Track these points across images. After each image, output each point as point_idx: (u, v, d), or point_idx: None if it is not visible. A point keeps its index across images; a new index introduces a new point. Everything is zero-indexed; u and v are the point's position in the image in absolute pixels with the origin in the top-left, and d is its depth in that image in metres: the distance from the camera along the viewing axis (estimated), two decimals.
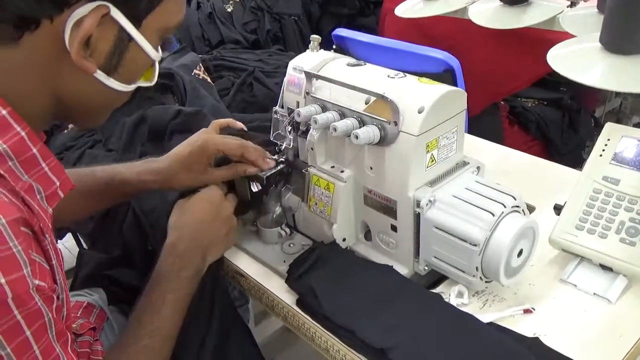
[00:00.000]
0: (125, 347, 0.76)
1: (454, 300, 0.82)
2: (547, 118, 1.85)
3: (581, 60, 0.75)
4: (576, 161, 1.66)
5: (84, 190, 0.91)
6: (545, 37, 1.45)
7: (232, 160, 0.95)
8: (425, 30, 1.69)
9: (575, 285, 0.84)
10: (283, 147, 0.98)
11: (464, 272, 0.80)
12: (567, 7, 1.34)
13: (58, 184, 0.64)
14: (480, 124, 1.67)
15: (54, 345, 0.60)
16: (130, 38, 0.62)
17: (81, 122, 0.78)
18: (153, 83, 0.72)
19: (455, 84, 1.44)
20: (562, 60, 0.75)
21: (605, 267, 0.84)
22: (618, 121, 2.29)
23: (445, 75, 1.43)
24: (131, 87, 0.69)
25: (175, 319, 0.80)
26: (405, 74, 0.88)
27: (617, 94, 2.33)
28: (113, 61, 0.63)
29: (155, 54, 0.67)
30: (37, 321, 0.57)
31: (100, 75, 0.63)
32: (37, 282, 0.56)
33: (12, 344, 0.55)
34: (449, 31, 1.64)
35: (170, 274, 0.82)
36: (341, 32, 1.66)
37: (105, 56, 0.62)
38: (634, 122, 2.33)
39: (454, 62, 1.42)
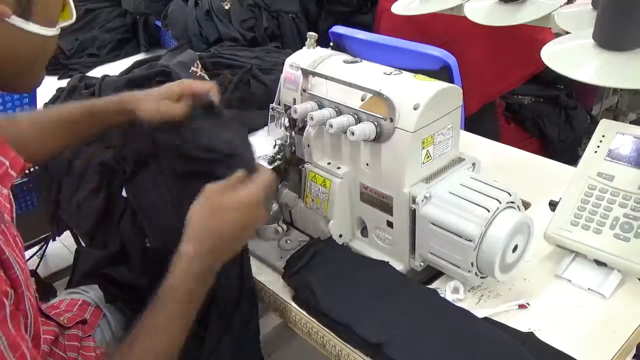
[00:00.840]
0: (130, 349, 0.69)
1: (449, 296, 0.83)
2: (544, 115, 1.85)
3: (574, 56, 0.75)
4: (572, 158, 1.67)
5: (60, 123, 0.91)
6: (540, 34, 1.46)
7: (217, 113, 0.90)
8: (422, 27, 1.69)
9: (570, 281, 0.84)
10: (280, 143, 0.99)
11: (459, 267, 0.80)
12: (564, 3, 1.34)
13: (8, 163, 0.63)
14: (477, 121, 1.67)
15: (16, 339, 0.56)
16: None
17: (17, 84, 0.71)
18: (74, 19, 0.70)
19: (451, 81, 1.44)
20: (555, 56, 0.76)
21: (599, 263, 0.84)
22: (615, 118, 2.30)
23: (442, 73, 1.43)
24: (54, 31, 0.67)
25: (181, 338, 0.72)
26: (401, 71, 0.88)
27: (614, 91, 2.33)
28: (23, 1, 0.61)
29: None
30: None
31: (17, 20, 0.61)
32: None
33: None
34: (446, 29, 1.64)
35: (181, 294, 0.72)
36: (338, 29, 1.67)
37: None
38: (631, 119, 2.33)
39: (451, 59, 1.42)
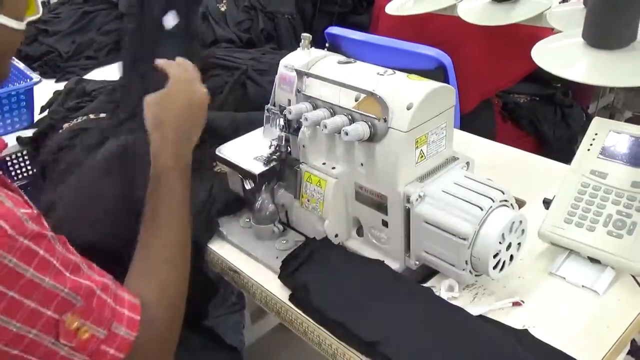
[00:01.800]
0: (151, 237, 0.78)
1: (444, 294, 0.83)
2: (540, 114, 1.86)
3: (564, 55, 0.76)
4: (568, 156, 1.67)
5: None
6: (536, 33, 1.47)
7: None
8: (419, 27, 1.70)
9: (564, 278, 0.85)
10: (275, 144, 0.99)
11: (453, 265, 0.81)
12: (559, 2, 1.35)
13: None
14: (473, 120, 1.68)
15: (67, 256, 0.62)
16: None
17: None
18: (40, 14, 0.73)
19: (446, 80, 1.45)
20: (546, 55, 0.76)
21: (593, 260, 0.85)
22: (611, 116, 2.31)
23: (437, 72, 1.44)
24: (22, 25, 0.69)
25: (185, 205, 0.83)
26: (395, 71, 0.89)
27: (611, 89, 2.34)
28: None
29: None
30: (43, 241, 0.59)
31: None
32: (22, 210, 0.58)
33: (32, 265, 0.57)
34: (443, 28, 1.65)
35: (168, 166, 0.84)
36: (334, 30, 1.67)
37: None
38: (627, 117, 2.34)
39: (446, 59, 1.43)
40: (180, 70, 0.92)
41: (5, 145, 0.69)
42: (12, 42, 0.70)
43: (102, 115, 1.35)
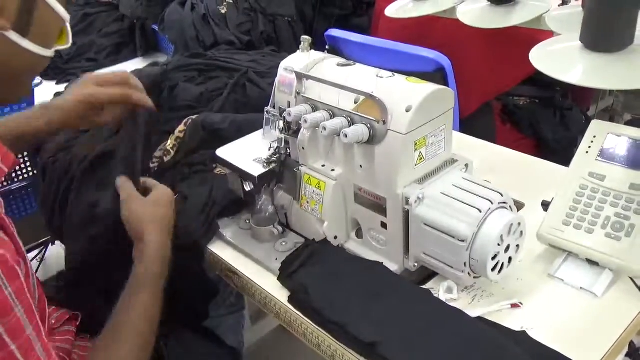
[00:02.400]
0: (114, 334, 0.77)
1: (443, 296, 0.83)
2: (539, 116, 1.86)
3: (562, 58, 0.76)
4: (568, 159, 1.68)
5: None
6: (535, 36, 1.47)
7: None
8: (420, 30, 1.70)
9: (563, 280, 0.85)
10: (275, 146, 1.00)
11: (452, 267, 0.81)
12: (559, 5, 1.35)
13: None
14: (473, 122, 1.68)
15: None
16: None
17: (5, 94, 0.73)
18: (69, 45, 0.74)
19: (446, 83, 1.45)
20: (544, 58, 0.77)
21: (591, 262, 0.85)
22: (611, 119, 2.30)
23: (436, 75, 1.44)
24: (49, 52, 0.71)
25: (158, 318, 0.83)
26: (394, 73, 0.89)
27: (610, 92, 2.34)
28: (24, 19, 0.64)
29: (66, 14, 0.69)
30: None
31: (13, 35, 0.64)
32: None
33: None
34: (444, 31, 1.65)
35: (155, 277, 0.85)
36: (334, 32, 1.68)
37: (15, 14, 0.63)
38: (626, 120, 2.34)
39: (445, 61, 1.43)
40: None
41: (17, 162, 0.69)
42: (35, 66, 0.72)
43: None
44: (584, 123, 1.95)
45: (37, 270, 1.97)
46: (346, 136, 0.81)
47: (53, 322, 0.88)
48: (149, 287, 0.83)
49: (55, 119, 0.94)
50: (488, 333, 0.75)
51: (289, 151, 0.99)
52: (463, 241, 0.78)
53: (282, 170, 1.00)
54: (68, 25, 0.73)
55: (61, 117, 0.94)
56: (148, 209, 0.90)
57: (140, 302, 0.81)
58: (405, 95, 0.82)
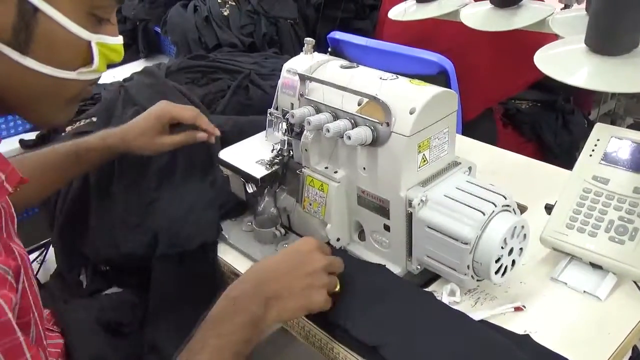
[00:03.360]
0: None
1: (446, 299, 0.83)
2: (541, 119, 1.86)
3: (567, 61, 0.76)
4: (570, 162, 1.68)
5: (47, 166, 0.95)
6: (540, 41, 1.47)
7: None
8: (423, 35, 1.70)
9: (566, 283, 0.85)
10: (278, 148, 1.00)
11: (455, 270, 0.81)
12: (561, 9, 1.35)
13: (4, 177, 0.61)
14: (475, 125, 1.68)
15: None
16: (35, 9, 0.58)
17: (28, 117, 0.68)
18: (93, 68, 0.65)
19: (449, 85, 1.45)
20: (548, 61, 0.77)
21: (595, 266, 0.85)
22: (612, 122, 2.30)
23: (439, 77, 1.44)
24: (71, 74, 0.63)
25: None
26: (398, 75, 0.89)
27: (612, 96, 2.34)
28: (21, 36, 0.58)
29: (85, 32, 0.62)
30: None
31: (9, 51, 0.58)
32: None
33: None
34: (449, 36, 1.65)
35: (217, 317, 0.70)
36: (336, 35, 1.68)
37: (11, 30, 0.58)
38: (628, 124, 2.34)
39: (448, 64, 1.43)
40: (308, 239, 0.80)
41: (24, 181, 0.65)
42: (52, 89, 0.63)
43: None
44: (585, 127, 1.95)
45: (37, 272, 1.96)
46: (349, 138, 0.81)
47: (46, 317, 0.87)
48: (203, 328, 0.68)
49: (130, 135, 0.99)
50: (491, 336, 0.75)
51: (291, 153, 0.99)
52: (466, 244, 0.77)
53: (285, 172, 1.00)
54: (94, 45, 0.64)
55: (136, 132, 0.99)
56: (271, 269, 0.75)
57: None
58: (408, 98, 0.82)
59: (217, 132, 1.05)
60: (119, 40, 0.66)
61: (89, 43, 0.63)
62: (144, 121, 1.01)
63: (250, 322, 0.69)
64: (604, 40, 0.71)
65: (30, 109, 0.65)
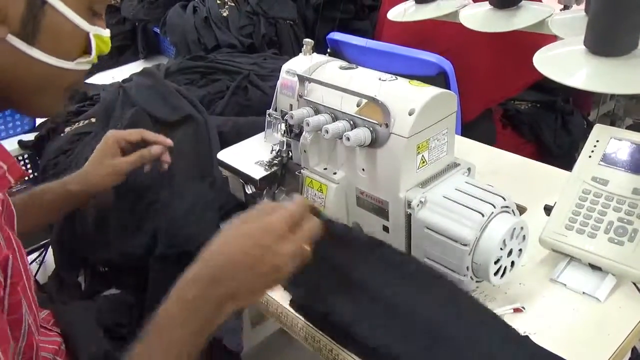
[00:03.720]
0: None
1: None
2: (541, 120, 1.86)
3: (566, 62, 0.76)
4: (569, 163, 1.68)
5: (31, 210, 0.94)
6: (539, 42, 1.47)
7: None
8: (424, 36, 1.69)
9: (565, 285, 0.85)
10: (277, 149, 0.99)
11: (454, 271, 0.81)
12: (560, 10, 1.35)
13: (6, 168, 0.62)
14: (474, 126, 1.68)
15: None
16: (43, 1, 0.62)
17: (26, 107, 0.71)
18: (91, 58, 0.70)
19: (448, 87, 1.45)
20: (547, 62, 0.77)
21: (594, 267, 0.85)
22: (612, 123, 2.31)
23: (438, 78, 1.44)
24: (70, 64, 0.67)
25: None
26: (397, 76, 0.89)
27: (611, 97, 2.34)
28: (29, 27, 0.62)
29: (86, 24, 0.66)
30: None
31: (17, 42, 0.61)
32: None
33: None
34: (448, 37, 1.65)
35: (172, 322, 0.63)
36: (336, 36, 1.68)
37: (20, 21, 0.61)
38: (627, 125, 2.34)
39: (447, 65, 1.43)
40: (282, 212, 0.67)
41: (25, 175, 0.67)
42: (55, 78, 0.67)
43: None
44: (585, 128, 1.95)
45: (36, 273, 1.96)
46: (348, 139, 0.81)
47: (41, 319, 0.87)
48: (163, 331, 0.62)
49: (73, 174, 0.99)
50: (497, 335, 0.74)
51: (290, 154, 0.99)
52: (465, 245, 0.77)
53: (284, 173, 1.00)
54: (92, 36, 0.68)
55: (76, 173, 0.99)
56: (218, 237, 0.66)
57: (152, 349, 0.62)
58: (408, 99, 0.82)
59: (169, 142, 1.03)
60: (108, 32, 0.72)
61: (87, 34, 0.68)
62: (96, 152, 1.01)
63: (203, 328, 0.63)
64: (603, 41, 0.71)
65: (31, 99, 0.68)
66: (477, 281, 0.82)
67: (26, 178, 1.66)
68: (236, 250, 0.63)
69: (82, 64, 0.69)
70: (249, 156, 1.02)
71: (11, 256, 0.61)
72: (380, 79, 0.88)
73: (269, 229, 0.64)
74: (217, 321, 0.64)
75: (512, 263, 0.82)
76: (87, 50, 0.69)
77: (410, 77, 0.89)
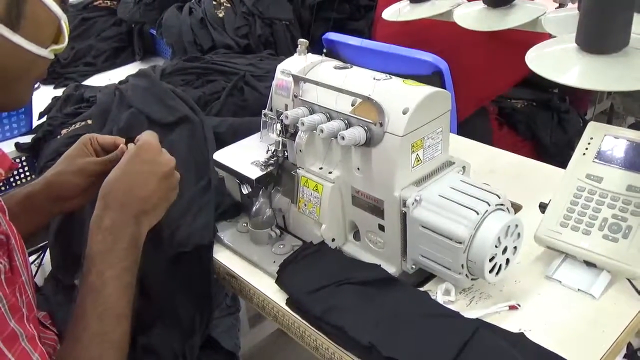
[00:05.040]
0: (76, 338, 0.70)
1: (441, 298, 0.83)
2: (536, 119, 1.87)
3: (558, 60, 0.76)
4: (565, 161, 1.69)
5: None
6: (532, 40, 1.47)
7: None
8: (418, 36, 1.70)
9: (560, 282, 0.85)
10: (272, 149, 1.00)
11: (450, 269, 0.81)
12: (556, 8, 1.36)
13: None
14: (470, 125, 1.68)
15: (8, 320, 0.57)
16: None
17: (4, 96, 0.70)
18: (64, 45, 0.71)
19: (443, 86, 1.46)
20: (539, 60, 0.77)
21: (589, 264, 0.85)
22: (609, 121, 2.31)
23: (434, 78, 1.44)
24: (45, 52, 0.68)
25: (121, 295, 0.73)
26: (391, 76, 0.89)
27: (607, 95, 2.35)
28: (13, 12, 0.62)
29: (60, 12, 0.68)
30: None
31: (2, 28, 0.62)
32: None
33: None
34: (441, 38, 1.65)
35: (102, 251, 0.74)
36: (331, 36, 1.68)
37: (4, 6, 0.62)
38: (629, 123, 2.35)
39: (442, 64, 1.44)
40: (146, 136, 0.84)
41: (14, 166, 0.67)
42: (31, 66, 0.68)
43: None
44: (581, 126, 1.95)
45: (35, 275, 1.96)
46: (343, 139, 0.81)
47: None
48: (96, 269, 0.72)
49: (54, 170, 0.91)
50: (484, 334, 0.75)
51: (286, 154, 0.99)
52: (460, 243, 0.78)
53: (280, 173, 1.00)
54: (63, 23, 0.70)
55: (62, 161, 0.92)
56: (105, 182, 0.78)
57: (92, 291, 0.72)
58: (402, 98, 0.82)
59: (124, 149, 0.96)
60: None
61: (59, 22, 0.69)
62: (70, 151, 0.94)
63: (131, 244, 0.76)
64: (595, 39, 0.72)
65: (8, 89, 0.68)
66: (472, 279, 0.83)
67: (24, 180, 1.66)
68: (129, 177, 0.77)
69: (52, 52, 0.70)
70: (245, 156, 1.02)
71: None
72: (374, 79, 0.88)
73: (145, 149, 0.80)
74: (141, 237, 0.78)
75: (507, 261, 0.82)
76: (54, 39, 0.70)
77: (406, 76, 0.90)
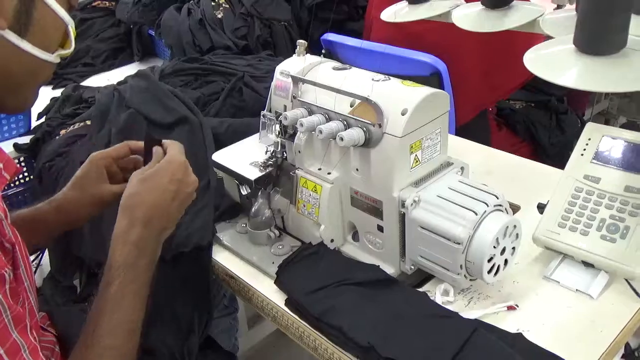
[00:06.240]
0: (87, 350, 0.70)
1: (439, 298, 0.84)
2: (535, 120, 1.87)
3: (556, 61, 0.77)
4: (563, 162, 1.69)
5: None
6: (531, 43, 1.47)
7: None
8: (415, 38, 1.69)
9: (558, 282, 0.86)
10: (271, 150, 1.00)
11: (448, 270, 0.81)
12: (554, 9, 1.36)
13: (1, 165, 0.63)
14: (469, 127, 1.68)
15: (10, 332, 0.58)
16: None
17: (9, 101, 0.70)
18: (71, 49, 0.72)
19: (442, 87, 1.46)
20: (537, 62, 0.77)
21: (587, 264, 0.85)
22: (606, 122, 2.32)
23: (432, 79, 1.45)
24: (51, 57, 0.69)
25: (137, 311, 0.74)
26: (390, 77, 0.89)
27: (605, 96, 2.35)
28: (22, 19, 0.63)
29: (68, 17, 0.68)
30: None
31: (10, 35, 0.62)
32: None
33: None
34: (439, 39, 1.65)
35: (127, 264, 0.74)
36: (330, 37, 1.68)
37: (14, 13, 0.62)
38: (621, 123, 2.36)
39: (441, 65, 1.44)
40: (177, 150, 0.83)
41: (19, 170, 0.68)
42: (37, 70, 0.69)
43: None
44: (579, 126, 1.96)
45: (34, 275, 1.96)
46: (342, 139, 0.82)
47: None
48: (118, 283, 0.73)
49: (66, 195, 0.89)
50: (483, 335, 0.75)
51: (285, 155, 0.99)
52: (459, 244, 0.78)
53: (279, 174, 1.00)
54: (70, 28, 0.70)
55: (75, 186, 0.89)
56: (128, 190, 0.78)
57: (110, 302, 0.72)
58: (400, 99, 0.83)
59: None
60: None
61: (66, 27, 0.69)
62: (79, 175, 0.91)
63: (152, 259, 0.77)
64: (592, 40, 0.72)
65: (15, 93, 0.69)
66: (471, 279, 0.83)
67: (22, 181, 1.66)
68: (157, 193, 0.77)
69: (59, 57, 0.70)
70: (244, 157, 1.02)
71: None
72: (373, 80, 0.88)
73: (176, 166, 0.80)
74: (158, 250, 0.79)
75: (506, 261, 0.83)
76: (61, 44, 0.71)
77: (404, 77, 0.90)
